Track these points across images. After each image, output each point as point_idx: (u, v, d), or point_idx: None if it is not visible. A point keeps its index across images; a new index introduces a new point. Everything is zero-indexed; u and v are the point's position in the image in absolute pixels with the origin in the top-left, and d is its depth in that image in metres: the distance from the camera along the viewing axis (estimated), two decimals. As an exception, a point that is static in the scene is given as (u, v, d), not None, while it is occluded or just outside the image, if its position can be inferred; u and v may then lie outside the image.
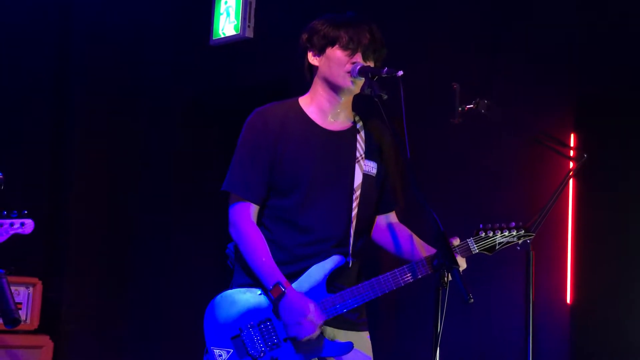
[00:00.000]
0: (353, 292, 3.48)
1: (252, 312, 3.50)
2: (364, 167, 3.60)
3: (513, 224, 3.54)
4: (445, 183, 5.64)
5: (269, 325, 3.48)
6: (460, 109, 4.13)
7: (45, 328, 6.89)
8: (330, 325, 3.51)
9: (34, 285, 6.80)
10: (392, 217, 3.80)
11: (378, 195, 3.70)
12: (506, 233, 3.52)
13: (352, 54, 3.52)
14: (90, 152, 7.64)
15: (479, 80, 5.45)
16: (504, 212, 5.27)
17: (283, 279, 3.44)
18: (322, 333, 3.46)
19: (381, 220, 3.78)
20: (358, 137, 3.64)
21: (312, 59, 3.62)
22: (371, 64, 3.55)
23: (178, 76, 7.75)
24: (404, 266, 3.48)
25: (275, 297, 3.42)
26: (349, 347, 3.50)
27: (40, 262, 7.41)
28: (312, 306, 3.41)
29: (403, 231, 3.74)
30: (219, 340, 3.50)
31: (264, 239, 3.53)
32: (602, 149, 4.95)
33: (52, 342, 6.81)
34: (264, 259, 3.48)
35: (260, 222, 3.59)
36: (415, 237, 3.70)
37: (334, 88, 3.59)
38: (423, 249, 3.59)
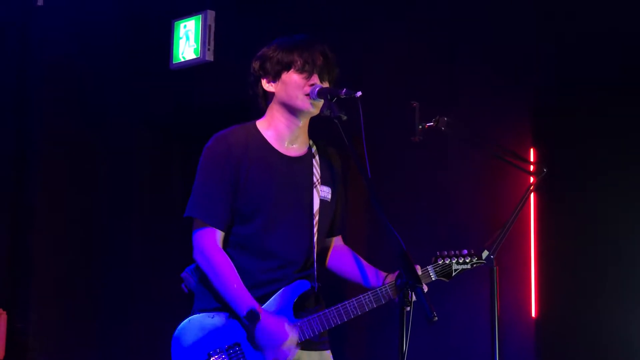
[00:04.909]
0: (321, 318, 3.49)
1: (220, 337, 3.48)
2: (321, 193, 3.64)
3: (465, 251, 3.71)
4: (406, 201, 5.67)
5: (237, 349, 3.46)
6: (420, 126, 4.15)
7: (11, 359, 6.82)
8: None
9: (-2, 315, 6.75)
10: (340, 240, 3.85)
11: (331, 220, 3.73)
12: (460, 260, 3.69)
13: (309, 76, 3.52)
14: (51, 178, 7.60)
15: (437, 97, 5.48)
16: (466, 228, 5.31)
17: (256, 305, 3.42)
18: None
19: (334, 243, 3.81)
20: (314, 162, 3.66)
21: (267, 85, 3.61)
22: (327, 84, 3.57)
23: (139, 101, 7.73)
24: (369, 292, 3.53)
25: (250, 323, 3.41)
26: None
27: (4, 292, 7.35)
28: (288, 327, 3.42)
29: (354, 256, 3.79)
30: None
31: (232, 264, 3.50)
32: (561, 163, 5.01)
33: (19, 373, 6.77)
34: (235, 286, 3.45)
35: (223, 248, 3.57)
36: (360, 259, 3.77)
37: (293, 111, 3.58)
38: (372, 274, 3.67)
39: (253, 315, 3.40)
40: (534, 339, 5.14)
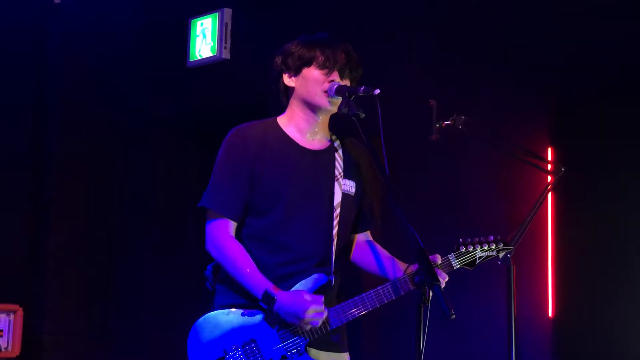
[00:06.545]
0: (337, 311, 3.47)
1: (236, 334, 3.47)
2: (343, 186, 3.60)
3: (492, 237, 3.58)
4: (424, 199, 5.66)
5: (253, 346, 3.45)
6: (437, 125, 4.14)
7: (27, 355, 6.85)
8: (314, 347, 3.50)
9: (14, 312, 6.77)
10: (368, 235, 3.80)
11: (356, 214, 3.69)
12: (485, 247, 3.55)
13: (329, 72, 3.52)
14: (70, 176, 7.62)
15: (455, 96, 5.47)
16: (483, 227, 5.28)
17: (270, 285, 3.41)
18: (306, 353, 3.46)
19: (358, 239, 3.77)
20: (336, 155, 3.64)
21: (287, 80, 3.61)
22: (347, 83, 3.56)
23: (156, 99, 7.74)
24: (387, 284, 3.48)
25: (267, 305, 3.40)
26: None
27: (21, 288, 7.37)
28: (307, 296, 3.39)
29: (378, 249, 3.74)
30: None
31: (245, 250, 3.50)
32: (579, 162, 4.99)
33: (34, 369, 6.78)
34: (248, 270, 3.45)
35: (240, 241, 3.56)
36: (381, 251, 3.71)
37: (312, 107, 3.58)
38: (396, 266, 3.61)
39: (268, 297, 3.39)
40: (551, 338, 5.13)
